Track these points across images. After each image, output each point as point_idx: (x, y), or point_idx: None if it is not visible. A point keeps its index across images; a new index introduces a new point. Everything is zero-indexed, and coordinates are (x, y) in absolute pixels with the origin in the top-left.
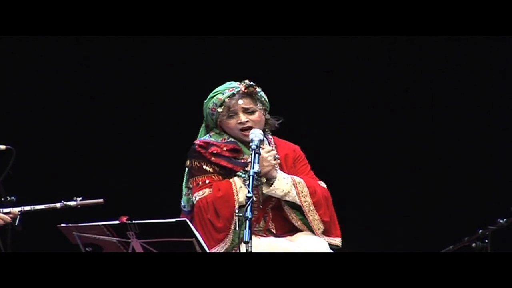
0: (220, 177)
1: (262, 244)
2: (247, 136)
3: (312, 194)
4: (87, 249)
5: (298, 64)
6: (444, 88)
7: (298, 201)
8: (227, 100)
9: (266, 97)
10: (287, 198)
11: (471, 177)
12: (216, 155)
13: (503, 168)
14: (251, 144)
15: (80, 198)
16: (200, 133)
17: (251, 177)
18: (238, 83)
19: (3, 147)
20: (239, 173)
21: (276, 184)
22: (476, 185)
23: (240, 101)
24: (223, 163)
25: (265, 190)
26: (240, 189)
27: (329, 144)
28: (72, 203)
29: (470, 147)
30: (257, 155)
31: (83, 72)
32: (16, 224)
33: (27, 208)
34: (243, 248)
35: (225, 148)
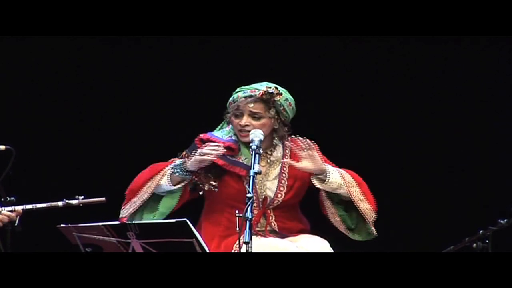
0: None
1: (262, 245)
2: (244, 137)
3: (360, 183)
4: (87, 249)
5: (303, 64)
6: (445, 89)
7: (348, 193)
8: (242, 99)
9: (289, 108)
10: (340, 191)
11: (471, 177)
12: None
13: (504, 168)
14: (251, 144)
15: (82, 197)
16: (220, 125)
17: (251, 177)
18: (266, 85)
19: (3, 147)
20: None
21: (331, 177)
22: (477, 185)
23: (251, 105)
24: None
25: (320, 185)
26: (164, 175)
27: (329, 143)
28: (74, 201)
29: (471, 147)
30: (257, 155)
31: (83, 71)
32: (16, 224)
33: (29, 206)
34: (243, 248)
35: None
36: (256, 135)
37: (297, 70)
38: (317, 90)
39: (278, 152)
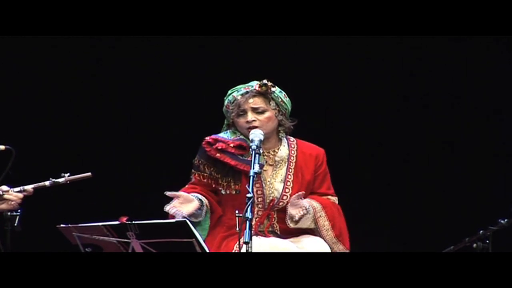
0: (210, 180)
1: (263, 245)
2: None
3: (333, 227)
4: (87, 249)
5: (305, 64)
6: (444, 89)
7: (320, 234)
8: (239, 98)
9: (285, 99)
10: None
11: (472, 177)
12: (221, 151)
13: (504, 168)
14: (251, 144)
15: (68, 174)
16: (222, 128)
17: (251, 177)
18: (257, 82)
19: (2, 147)
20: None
21: (301, 223)
22: (477, 185)
23: (250, 100)
24: (227, 159)
25: (292, 225)
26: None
27: (328, 143)
28: (60, 179)
29: (471, 148)
30: (257, 155)
31: (83, 71)
32: (16, 224)
33: (16, 189)
34: (243, 248)
35: (231, 145)
36: (256, 135)
37: (295, 70)
38: (315, 90)
39: (283, 151)
